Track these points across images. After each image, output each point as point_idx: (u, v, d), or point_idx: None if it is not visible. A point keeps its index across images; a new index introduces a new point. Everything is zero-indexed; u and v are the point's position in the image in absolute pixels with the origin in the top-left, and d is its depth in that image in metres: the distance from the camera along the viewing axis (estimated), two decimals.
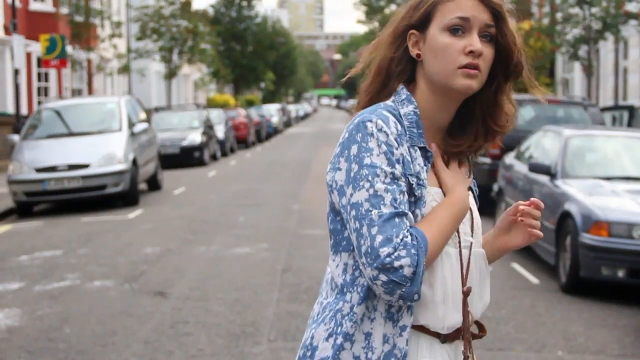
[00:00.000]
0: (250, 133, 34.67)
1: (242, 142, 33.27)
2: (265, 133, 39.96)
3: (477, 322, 1.92)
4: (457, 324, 1.82)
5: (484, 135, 1.87)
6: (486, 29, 1.78)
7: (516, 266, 8.82)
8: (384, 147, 1.73)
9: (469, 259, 1.85)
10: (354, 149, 1.74)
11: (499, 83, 1.83)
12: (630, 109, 16.78)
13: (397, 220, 1.69)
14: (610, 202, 7.69)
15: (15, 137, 15.01)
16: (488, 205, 12.18)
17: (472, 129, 1.87)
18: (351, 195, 1.73)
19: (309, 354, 1.82)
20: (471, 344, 1.86)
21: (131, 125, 14.72)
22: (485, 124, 1.86)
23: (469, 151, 1.89)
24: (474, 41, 1.76)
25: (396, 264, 1.66)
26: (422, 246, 1.69)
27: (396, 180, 1.73)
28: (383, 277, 1.67)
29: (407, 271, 1.67)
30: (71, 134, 14.30)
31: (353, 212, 1.72)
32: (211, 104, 42.57)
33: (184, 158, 22.82)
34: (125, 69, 30.44)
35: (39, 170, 13.31)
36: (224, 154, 27.77)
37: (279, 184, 17.43)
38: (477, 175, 11.79)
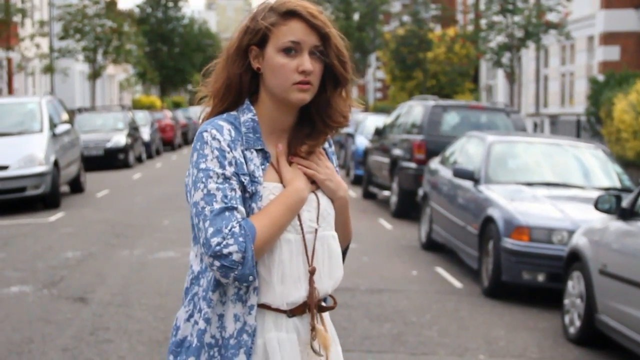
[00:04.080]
0: (177, 135, 34.27)
1: (168, 144, 32.85)
2: (191, 135, 39.60)
3: (331, 296, 2.18)
4: (298, 300, 2.09)
5: (324, 130, 2.18)
6: (315, 49, 2.10)
7: (440, 270, 8.92)
8: (216, 152, 2.05)
9: (314, 242, 2.11)
10: (195, 156, 2.07)
11: (329, 90, 2.15)
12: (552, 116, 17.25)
13: (227, 213, 1.99)
14: (531, 207, 7.85)
15: None
16: (413, 209, 12.33)
17: (312, 126, 2.18)
18: (192, 195, 2.05)
19: (174, 333, 2.14)
20: (320, 316, 2.15)
21: (53, 126, 14.34)
22: (324, 121, 2.17)
23: (314, 144, 2.18)
24: (305, 61, 2.08)
25: (225, 251, 1.95)
26: (249, 234, 1.98)
27: (227, 180, 2.03)
28: (217, 263, 1.97)
29: (236, 257, 1.96)
30: None
31: (194, 210, 2.04)
32: (137, 106, 41.90)
33: (108, 160, 22.36)
34: (48, 69, 29.64)
35: None
36: (150, 156, 27.37)
37: None
38: (404, 180, 11.76)
